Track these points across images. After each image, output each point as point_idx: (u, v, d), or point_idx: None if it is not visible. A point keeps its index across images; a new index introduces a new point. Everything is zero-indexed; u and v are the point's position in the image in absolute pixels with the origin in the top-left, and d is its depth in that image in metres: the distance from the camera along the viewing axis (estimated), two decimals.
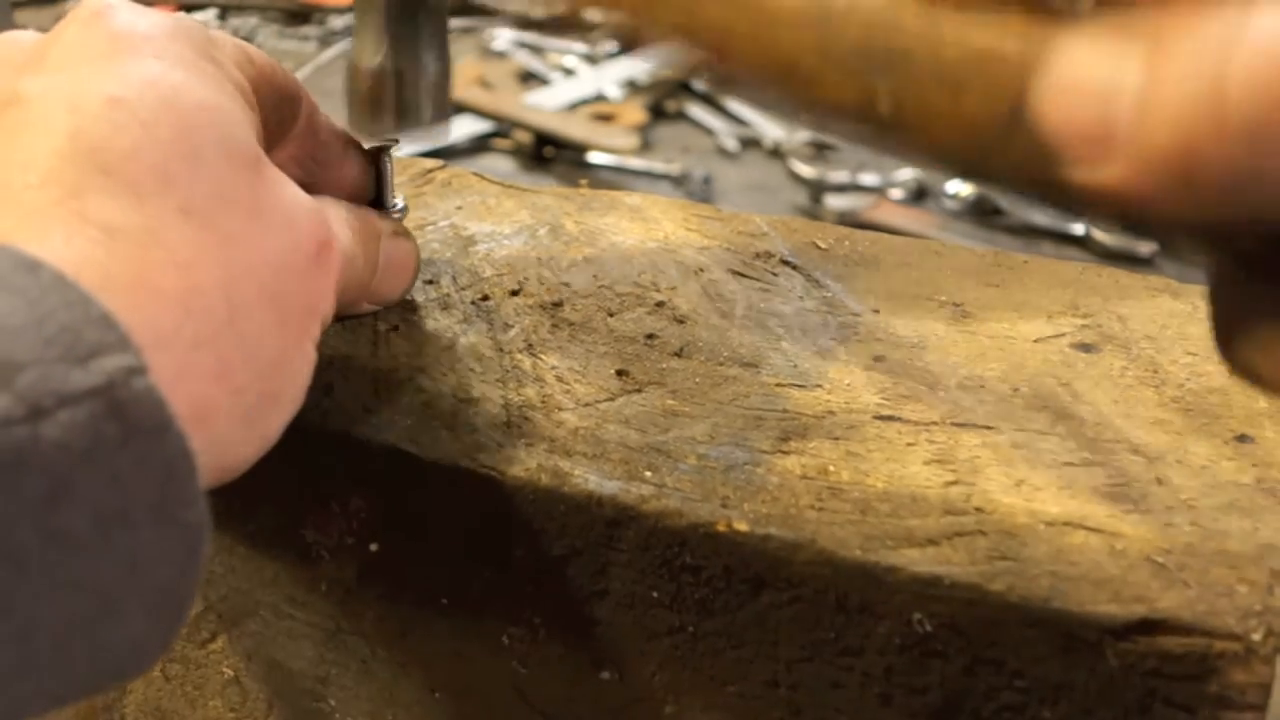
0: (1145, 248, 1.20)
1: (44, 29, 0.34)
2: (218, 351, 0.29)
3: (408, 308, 0.44)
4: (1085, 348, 0.43)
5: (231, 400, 0.30)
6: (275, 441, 0.33)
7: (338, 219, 0.37)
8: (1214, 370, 0.42)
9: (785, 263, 0.49)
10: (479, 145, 1.38)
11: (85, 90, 0.30)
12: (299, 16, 1.71)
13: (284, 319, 0.32)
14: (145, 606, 0.26)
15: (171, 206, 0.29)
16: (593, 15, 0.32)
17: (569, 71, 1.56)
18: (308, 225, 0.33)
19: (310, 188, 0.38)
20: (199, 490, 0.27)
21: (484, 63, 1.58)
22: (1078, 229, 1.23)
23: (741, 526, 0.34)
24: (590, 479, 0.36)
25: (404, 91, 0.41)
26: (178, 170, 0.30)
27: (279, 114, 0.38)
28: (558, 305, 0.45)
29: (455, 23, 1.71)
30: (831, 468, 0.36)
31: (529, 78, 1.56)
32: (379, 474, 0.38)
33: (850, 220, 1.22)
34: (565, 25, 0.32)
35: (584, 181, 1.28)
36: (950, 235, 1.20)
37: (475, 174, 0.56)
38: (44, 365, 0.24)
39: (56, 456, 0.24)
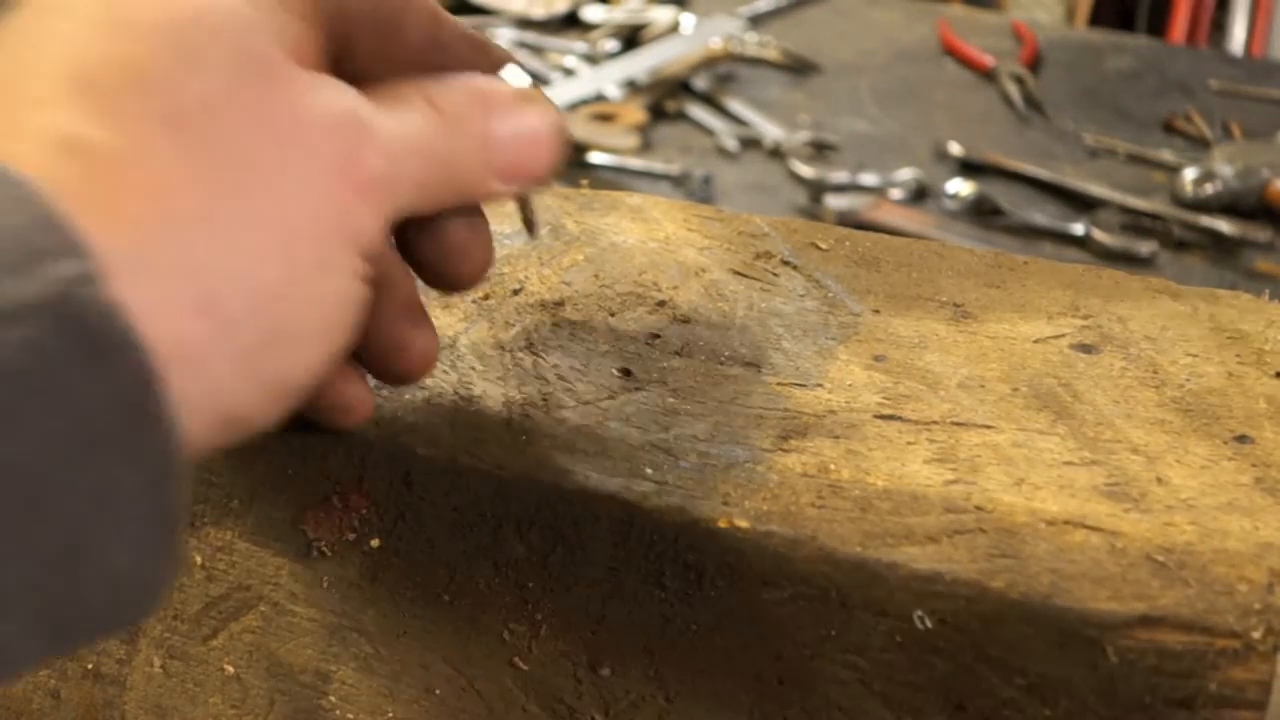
0: (1145, 248, 1.20)
1: None
2: (200, 282, 0.26)
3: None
4: (1085, 348, 0.43)
5: (223, 337, 0.26)
6: (305, 387, 0.30)
7: (408, 105, 0.32)
8: (1214, 371, 0.42)
9: (786, 263, 0.49)
10: None
11: (69, 5, 0.28)
12: None
13: (291, 246, 0.28)
14: (125, 542, 0.24)
15: (155, 119, 0.26)
16: None
17: (569, 71, 1.56)
18: (329, 140, 0.29)
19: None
20: (170, 417, 0.24)
21: None
22: (1078, 229, 1.23)
23: (742, 524, 0.35)
24: (591, 476, 0.36)
25: None
26: (167, 77, 0.27)
27: (373, 29, 0.33)
28: (559, 304, 0.45)
29: None
30: (832, 466, 0.37)
31: (529, 78, 1.56)
32: (380, 471, 0.38)
33: (850, 220, 1.23)
34: None
35: (584, 181, 1.28)
36: (950, 235, 1.20)
37: None
38: None
39: None
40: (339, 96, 0.30)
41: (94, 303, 0.23)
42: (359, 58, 0.33)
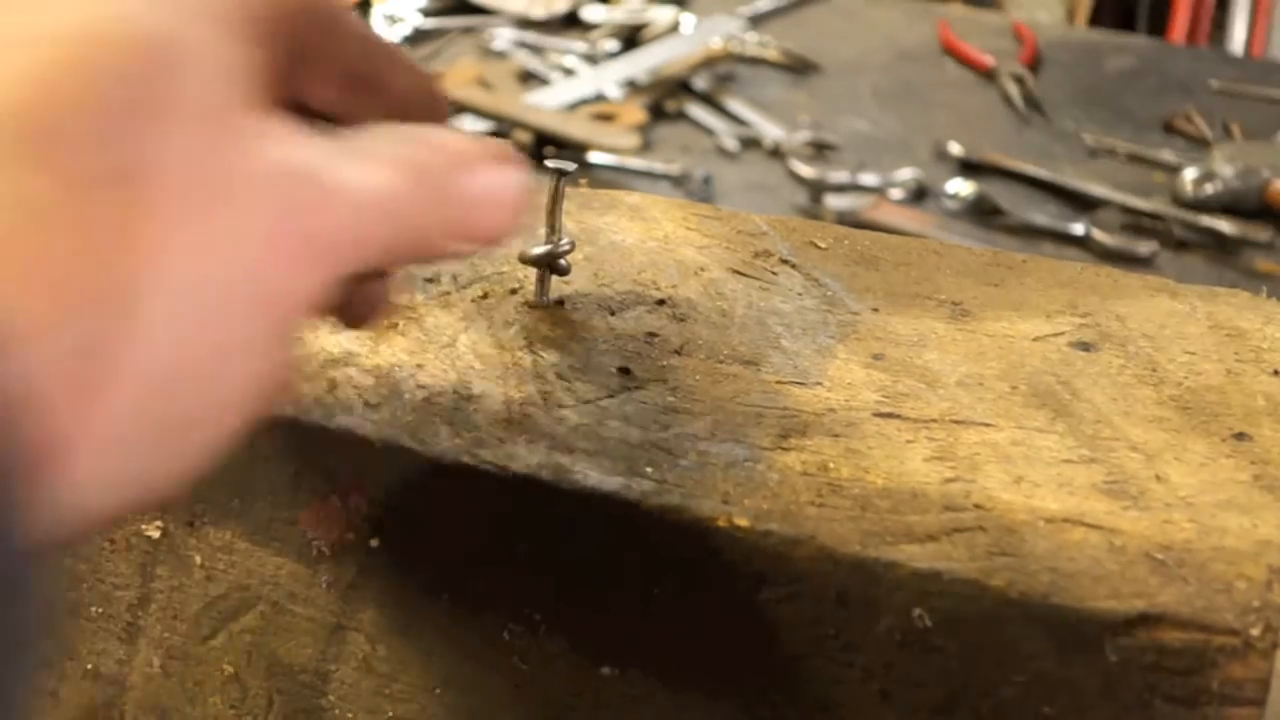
0: (1145, 248, 1.20)
1: None
2: (110, 359, 0.24)
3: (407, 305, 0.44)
4: (1084, 346, 0.43)
5: (128, 416, 0.24)
6: (214, 457, 0.27)
7: (373, 160, 0.29)
8: (1212, 369, 0.42)
9: (784, 261, 0.49)
10: None
11: (17, 31, 0.25)
12: None
13: (211, 325, 0.26)
14: None
15: (82, 173, 0.23)
16: None
17: (569, 71, 1.56)
18: (280, 202, 0.26)
19: (352, 114, 0.33)
20: (16, 521, 0.21)
21: (484, 63, 1.58)
22: (1078, 229, 1.23)
23: (742, 522, 0.35)
24: (591, 475, 0.36)
25: None
26: (103, 127, 0.24)
27: (310, 37, 0.31)
28: (558, 303, 0.45)
29: (455, 22, 1.71)
30: (831, 464, 0.37)
31: (529, 78, 1.55)
32: (379, 470, 0.38)
33: (850, 220, 1.23)
34: None
35: (583, 181, 1.28)
36: (949, 235, 1.20)
37: None
38: None
39: None
40: (294, 149, 0.27)
41: None
42: (303, 80, 0.32)
